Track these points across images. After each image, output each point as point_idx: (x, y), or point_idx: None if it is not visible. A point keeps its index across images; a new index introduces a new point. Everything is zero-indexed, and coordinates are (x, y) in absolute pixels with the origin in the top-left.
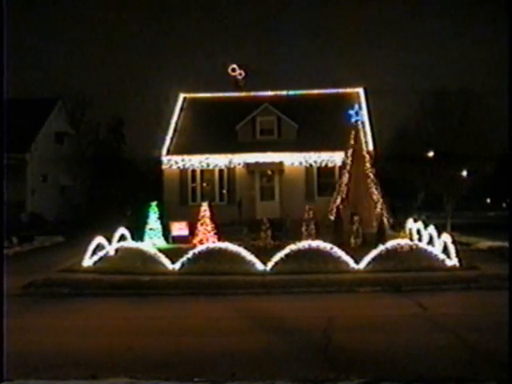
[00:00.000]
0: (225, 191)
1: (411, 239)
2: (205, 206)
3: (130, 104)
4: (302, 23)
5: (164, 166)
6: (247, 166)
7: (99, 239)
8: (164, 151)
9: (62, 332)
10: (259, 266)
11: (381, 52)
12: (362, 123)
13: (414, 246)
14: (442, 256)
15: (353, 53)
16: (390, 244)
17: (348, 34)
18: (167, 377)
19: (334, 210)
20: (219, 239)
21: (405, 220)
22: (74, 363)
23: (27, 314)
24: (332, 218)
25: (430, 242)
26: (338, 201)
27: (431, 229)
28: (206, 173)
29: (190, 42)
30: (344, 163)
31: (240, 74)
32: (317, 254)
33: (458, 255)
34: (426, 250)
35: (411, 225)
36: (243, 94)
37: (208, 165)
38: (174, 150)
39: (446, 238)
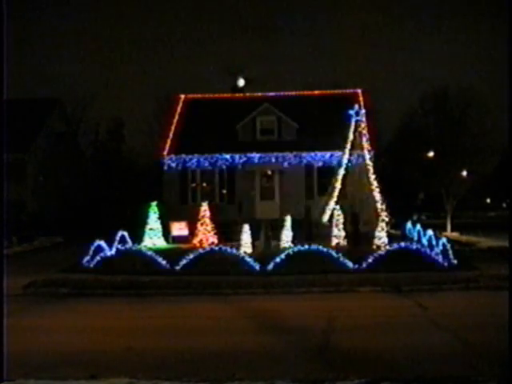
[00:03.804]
0: (225, 191)
1: (411, 239)
2: (205, 206)
3: (131, 104)
4: (303, 23)
5: (164, 166)
6: (247, 166)
7: (99, 242)
8: (164, 151)
9: (62, 332)
10: (259, 266)
11: (381, 52)
12: (362, 123)
13: (414, 246)
14: (441, 256)
15: (353, 53)
16: (390, 244)
17: (348, 35)
18: (167, 377)
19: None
20: (219, 239)
21: (404, 220)
22: (74, 363)
23: (27, 313)
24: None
25: (430, 242)
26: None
27: (431, 229)
28: (206, 173)
29: (190, 42)
30: (344, 163)
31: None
32: (317, 254)
33: (457, 255)
34: (425, 251)
35: (411, 225)
36: (243, 93)
37: (208, 165)
38: (174, 150)
39: (446, 238)
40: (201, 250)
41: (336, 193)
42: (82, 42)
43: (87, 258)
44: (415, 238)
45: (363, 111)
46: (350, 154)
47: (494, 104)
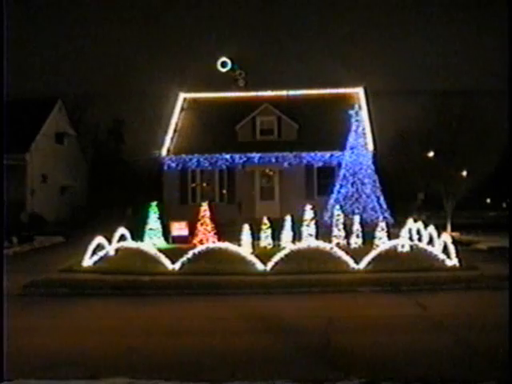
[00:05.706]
0: (225, 191)
1: (411, 239)
2: (205, 206)
3: (130, 104)
4: (303, 23)
5: (164, 166)
6: (247, 166)
7: (99, 239)
8: (164, 151)
9: (62, 332)
10: (259, 266)
11: (381, 52)
12: (362, 123)
13: (414, 246)
14: (441, 256)
15: (353, 53)
16: (390, 244)
17: (348, 34)
18: (167, 377)
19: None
20: (219, 239)
21: (405, 220)
22: (74, 363)
23: (27, 313)
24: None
25: (430, 242)
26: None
27: (431, 229)
28: (205, 173)
29: (190, 41)
30: (343, 162)
31: (240, 74)
32: (317, 254)
33: (457, 255)
34: (425, 250)
35: (411, 225)
36: (243, 93)
37: (208, 165)
38: (174, 150)
39: (446, 238)
40: (200, 249)
41: (336, 193)
42: (82, 42)
43: (87, 258)
44: (415, 238)
45: (363, 111)
46: (350, 154)
47: (493, 104)
